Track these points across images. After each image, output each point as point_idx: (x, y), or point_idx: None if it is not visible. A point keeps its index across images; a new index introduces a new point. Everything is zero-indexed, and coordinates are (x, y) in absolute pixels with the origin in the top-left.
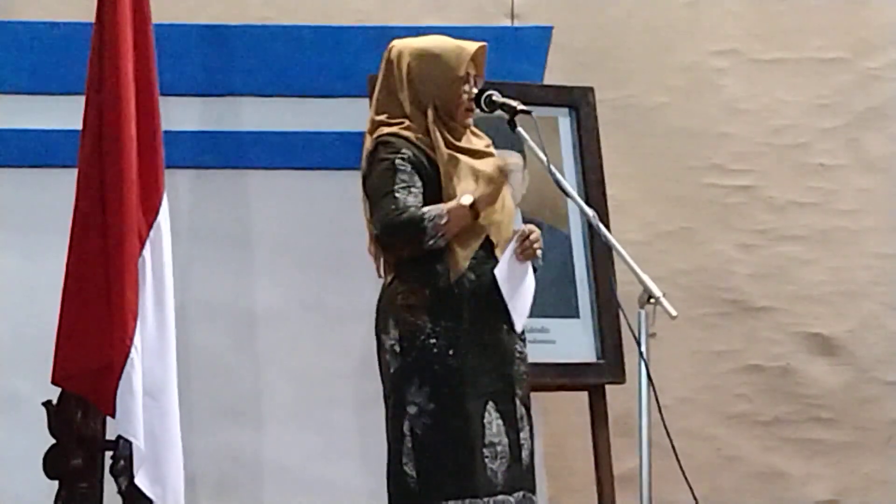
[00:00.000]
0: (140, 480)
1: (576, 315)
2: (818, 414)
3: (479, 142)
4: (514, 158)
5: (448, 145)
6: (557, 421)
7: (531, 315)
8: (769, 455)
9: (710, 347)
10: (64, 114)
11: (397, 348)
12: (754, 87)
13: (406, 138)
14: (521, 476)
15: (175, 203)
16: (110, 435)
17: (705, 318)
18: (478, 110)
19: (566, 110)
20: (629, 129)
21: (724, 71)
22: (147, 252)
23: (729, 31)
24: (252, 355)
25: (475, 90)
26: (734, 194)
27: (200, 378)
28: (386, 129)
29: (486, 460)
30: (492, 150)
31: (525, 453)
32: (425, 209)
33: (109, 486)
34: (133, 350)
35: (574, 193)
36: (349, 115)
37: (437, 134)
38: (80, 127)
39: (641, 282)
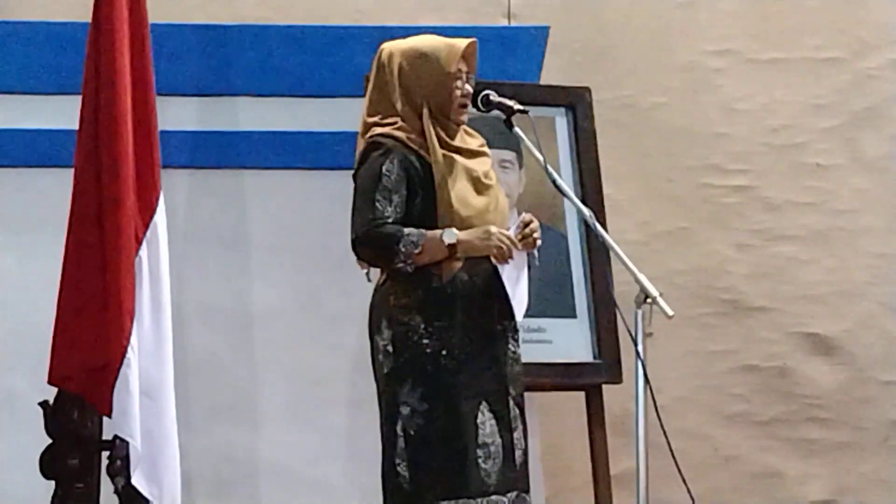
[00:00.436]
0: (136, 480)
1: (573, 315)
2: (815, 414)
3: (473, 141)
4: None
5: (443, 145)
6: (554, 421)
7: (528, 315)
8: (766, 455)
9: (706, 347)
10: (60, 114)
11: (390, 348)
12: (751, 87)
13: (398, 139)
14: (515, 476)
15: (172, 203)
16: (107, 435)
17: (702, 317)
18: (474, 110)
19: (563, 110)
20: (626, 129)
21: (721, 71)
22: (143, 252)
23: (726, 30)
24: (248, 355)
25: (468, 87)
26: (731, 194)
27: (197, 378)
28: (378, 130)
29: (480, 461)
30: (485, 149)
31: (518, 453)
32: (406, 230)
33: (106, 485)
34: (129, 350)
35: (571, 193)
36: (346, 114)
37: (432, 134)
38: (76, 127)
39: (638, 281)
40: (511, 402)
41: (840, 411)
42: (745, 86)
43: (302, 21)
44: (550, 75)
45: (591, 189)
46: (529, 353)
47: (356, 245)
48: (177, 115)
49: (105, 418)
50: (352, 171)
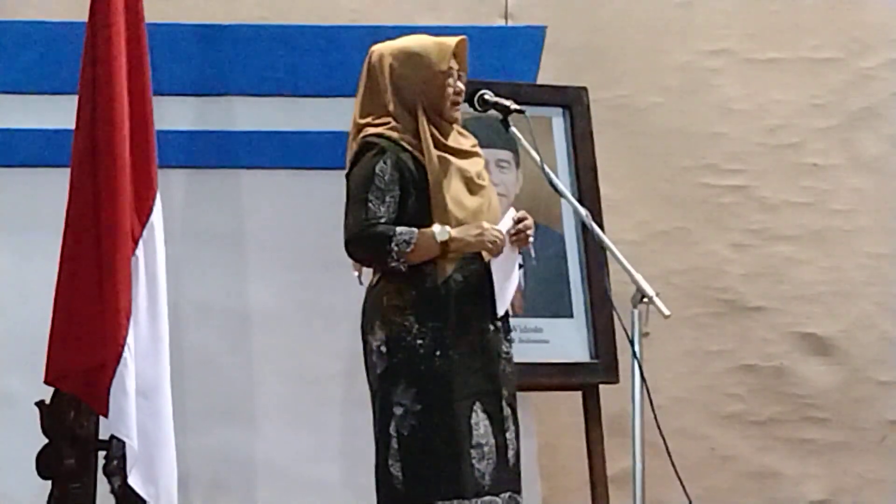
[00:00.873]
0: (133, 480)
1: (569, 315)
2: (812, 414)
3: (466, 141)
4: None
5: (437, 145)
6: (551, 421)
7: (524, 314)
8: (763, 455)
9: (703, 347)
10: (57, 113)
11: (384, 349)
12: (748, 87)
13: (391, 139)
14: (508, 477)
15: (168, 203)
16: (103, 435)
17: (699, 317)
18: (471, 110)
19: (560, 110)
20: (623, 129)
21: (718, 71)
22: (140, 252)
23: (722, 30)
24: (245, 355)
25: (460, 84)
26: (728, 194)
27: (193, 378)
28: (372, 130)
29: (474, 461)
30: (478, 149)
31: (511, 453)
32: (398, 229)
33: (102, 485)
34: (126, 350)
35: (568, 193)
36: (343, 114)
37: (428, 134)
38: (72, 126)
39: (635, 281)
40: (504, 403)
41: (837, 411)
42: (742, 86)
43: (299, 21)
44: (547, 75)
45: (587, 189)
46: (526, 352)
47: (349, 246)
48: (173, 114)
49: (101, 418)
50: (345, 172)
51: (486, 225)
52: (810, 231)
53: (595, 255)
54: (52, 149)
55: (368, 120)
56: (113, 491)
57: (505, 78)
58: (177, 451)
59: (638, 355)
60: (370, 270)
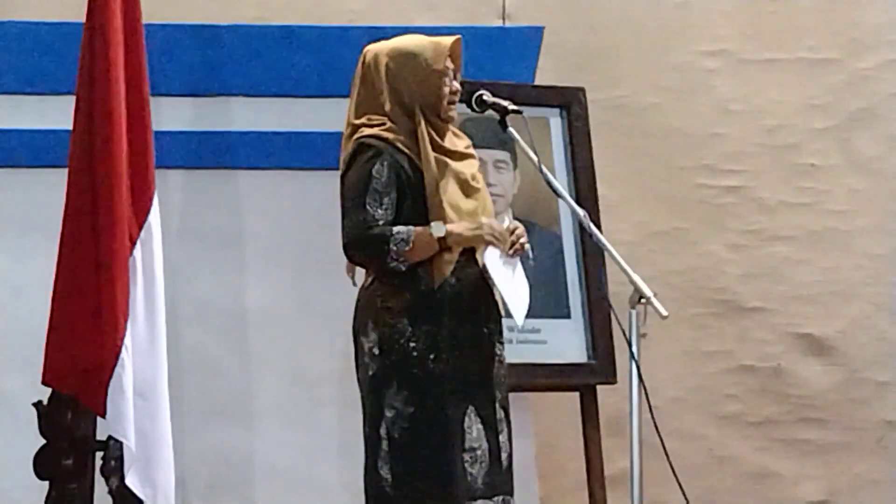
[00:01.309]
0: (130, 481)
1: (567, 315)
2: (809, 414)
3: (461, 142)
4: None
5: (433, 147)
6: (548, 421)
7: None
8: (760, 455)
9: (701, 348)
10: (54, 114)
11: (376, 351)
12: (746, 88)
13: (386, 140)
14: (501, 480)
15: (166, 203)
16: (101, 435)
17: (696, 318)
18: (469, 111)
19: (557, 111)
20: (620, 130)
21: (716, 71)
22: (138, 252)
23: (720, 31)
24: (243, 355)
25: (455, 84)
26: (725, 195)
27: (191, 378)
28: (367, 131)
29: (466, 465)
30: (472, 150)
31: (504, 456)
32: (395, 229)
33: (100, 486)
34: (124, 350)
35: (565, 194)
36: (340, 115)
37: (425, 136)
38: (70, 127)
39: (632, 282)
40: (497, 405)
41: (834, 412)
42: (740, 86)
43: (297, 21)
44: (545, 76)
45: (585, 189)
46: (524, 353)
47: (348, 249)
48: (171, 115)
49: (99, 419)
50: (339, 173)
51: (484, 220)
52: (808, 231)
53: (593, 256)
54: (50, 149)
55: (364, 120)
56: (110, 491)
57: (502, 78)
58: (174, 451)
59: (636, 356)
60: (363, 270)
